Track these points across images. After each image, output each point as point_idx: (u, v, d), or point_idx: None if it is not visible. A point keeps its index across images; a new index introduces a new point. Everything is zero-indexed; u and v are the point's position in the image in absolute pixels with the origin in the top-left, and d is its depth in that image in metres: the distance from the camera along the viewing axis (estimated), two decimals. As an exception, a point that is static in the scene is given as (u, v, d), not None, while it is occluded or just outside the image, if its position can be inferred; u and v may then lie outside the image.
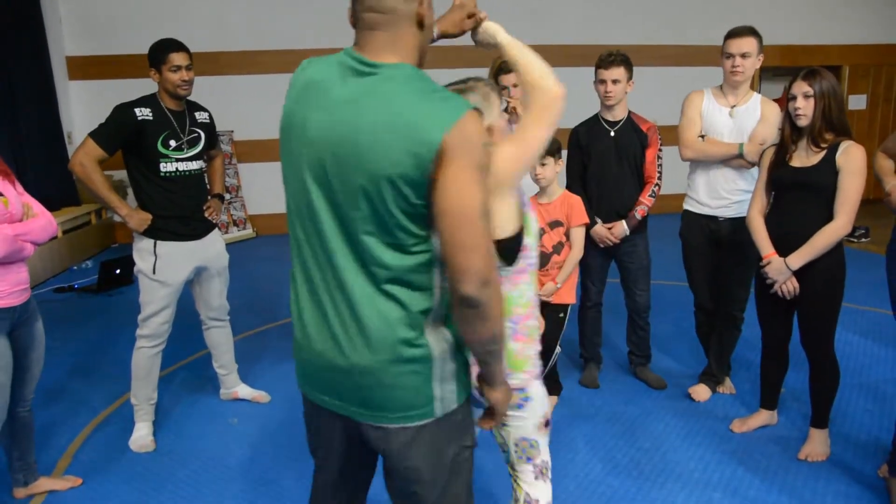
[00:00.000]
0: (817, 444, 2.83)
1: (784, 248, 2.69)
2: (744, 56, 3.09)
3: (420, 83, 1.29)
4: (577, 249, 3.12)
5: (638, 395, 3.49)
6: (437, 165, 1.22)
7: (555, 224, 3.11)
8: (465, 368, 1.43)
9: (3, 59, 6.33)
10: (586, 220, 3.14)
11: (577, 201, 3.13)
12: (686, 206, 3.37)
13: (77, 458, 3.01)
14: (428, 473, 1.42)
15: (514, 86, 3.70)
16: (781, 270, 2.67)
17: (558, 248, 3.11)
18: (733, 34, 3.13)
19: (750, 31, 3.11)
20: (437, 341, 1.35)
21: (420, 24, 1.35)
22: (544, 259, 3.10)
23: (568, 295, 3.15)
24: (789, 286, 2.68)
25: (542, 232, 3.09)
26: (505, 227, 1.54)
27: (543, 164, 3.01)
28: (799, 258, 2.63)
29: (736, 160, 3.16)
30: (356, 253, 1.31)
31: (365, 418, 1.40)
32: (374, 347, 1.33)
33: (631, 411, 3.32)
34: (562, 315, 3.16)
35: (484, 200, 1.23)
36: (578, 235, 3.12)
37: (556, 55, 9.40)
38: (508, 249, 1.56)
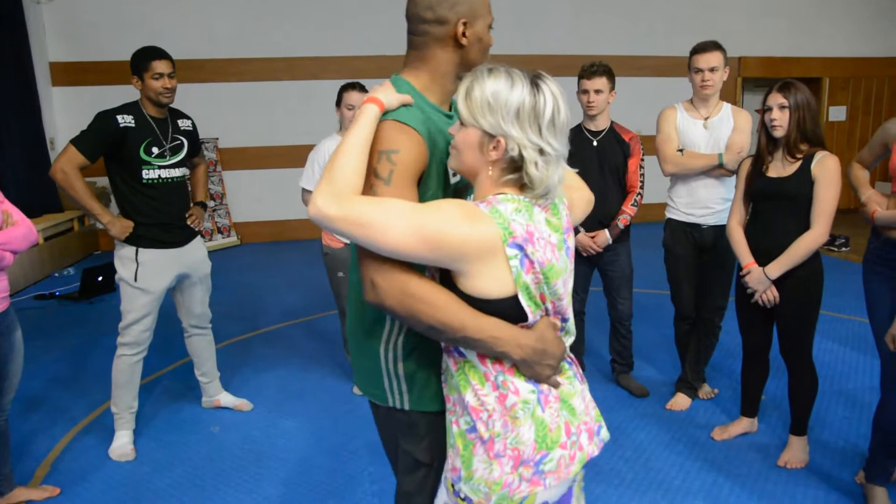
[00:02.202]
0: (796, 451, 2.86)
1: (763, 258, 2.72)
2: (712, 70, 3.16)
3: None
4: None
5: (620, 403, 3.51)
6: None
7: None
8: (420, 380, 1.46)
9: (-15, 64, 6.28)
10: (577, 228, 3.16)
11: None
12: (669, 215, 3.40)
13: (55, 468, 2.97)
14: (389, 452, 1.62)
15: None
16: (761, 280, 2.71)
17: None
18: (699, 49, 3.19)
19: (715, 46, 3.18)
20: (387, 339, 1.47)
21: (457, 44, 1.42)
22: None
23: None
24: (769, 295, 2.72)
25: None
26: (481, 287, 1.26)
27: None
28: (777, 267, 2.67)
29: (717, 170, 3.20)
30: None
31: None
32: (351, 327, 1.55)
33: (613, 419, 3.33)
34: None
35: (374, 209, 1.21)
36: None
37: (541, 65, 9.46)
38: (494, 314, 1.27)
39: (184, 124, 3.16)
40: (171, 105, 3.07)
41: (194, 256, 3.19)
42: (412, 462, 1.55)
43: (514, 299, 1.26)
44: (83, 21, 7.43)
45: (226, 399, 3.52)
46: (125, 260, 2.99)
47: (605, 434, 1.42)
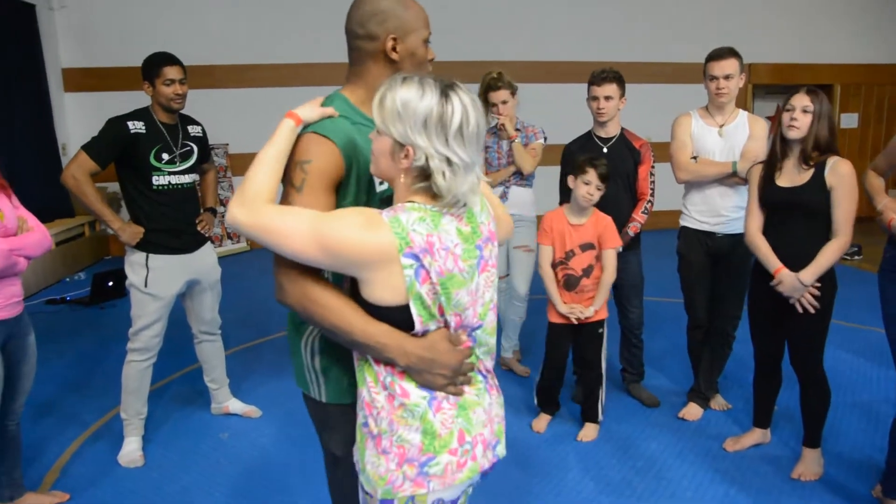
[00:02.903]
0: (810, 464, 2.82)
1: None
2: (727, 77, 3.13)
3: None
4: (609, 272, 3.10)
5: (631, 413, 3.48)
6: None
7: (586, 247, 3.09)
8: (334, 374, 1.56)
9: (0, 71, 6.33)
10: (619, 241, 3.14)
11: (609, 223, 3.12)
12: (683, 223, 3.38)
13: (65, 473, 2.98)
14: (324, 443, 1.70)
15: (504, 103, 3.72)
16: (795, 287, 2.63)
17: (588, 271, 3.08)
18: (714, 56, 3.16)
19: (730, 53, 3.14)
20: (307, 335, 1.57)
21: (388, 59, 1.48)
22: (574, 281, 3.09)
23: (603, 310, 3.16)
24: (808, 297, 2.66)
25: (572, 254, 3.08)
26: (377, 294, 1.29)
27: (599, 189, 3.01)
28: (811, 274, 2.60)
29: (731, 178, 3.17)
30: None
31: None
32: (287, 325, 1.64)
33: (624, 429, 3.30)
34: (600, 330, 3.18)
35: (279, 216, 1.28)
36: (611, 258, 3.10)
37: (549, 72, 9.50)
38: (387, 321, 1.31)
39: (194, 130, 3.17)
40: (182, 111, 3.08)
41: (204, 262, 3.19)
42: (330, 455, 1.68)
43: (407, 308, 1.28)
44: (95, 27, 7.49)
45: (235, 405, 3.52)
46: (135, 266, 3.00)
47: (500, 450, 1.44)
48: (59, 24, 7.44)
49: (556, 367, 3.22)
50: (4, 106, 6.39)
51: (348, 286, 1.38)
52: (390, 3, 1.47)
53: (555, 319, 3.17)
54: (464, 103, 1.25)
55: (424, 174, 1.26)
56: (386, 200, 1.46)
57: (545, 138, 3.83)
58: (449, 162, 1.24)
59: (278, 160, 1.36)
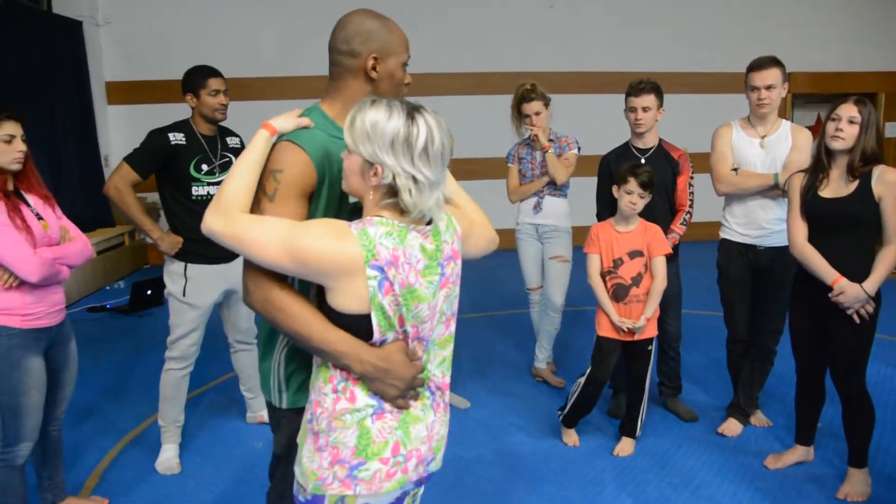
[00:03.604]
0: (857, 484, 2.72)
1: (817, 281, 2.62)
2: (769, 88, 3.06)
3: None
4: (660, 280, 3.05)
5: (668, 428, 3.41)
6: None
7: (635, 254, 3.04)
8: (295, 382, 1.61)
9: (46, 85, 6.54)
10: (669, 249, 3.10)
11: (657, 230, 3.08)
12: (724, 235, 3.31)
13: (104, 479, 3.02)
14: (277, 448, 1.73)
15: (537, 114, 3.71)
16: (859, 297, 2.55)
17: (637, 280, 3.03)
18: (756, 66, 3.10)
19: (773, 62, 3.07)
20: (279, 344, 1.62)
21: (367, 77, 1.55)
22: (623, 291, 3.04)
23: (652, 327, 3.10)
24: (868, 309, 2.57)
25: (620, 262, 3.04)
26: (341, 302, 1.34)
27: (642, 197, 2.98)
28: (875, 282, 2.53)
29: (773, 190, 3.11)
30: None
31: None
32: (260, 335, 1.69)
33: (661, 444, 3.24)
34: (650, 348, 3.12)
35: (252, 226, 1.34)
36: (661, 265, 3.05)
37: (584, 83, 9.43)
38: (348, 327, 1.36)
39: (232, 142, 3.21)
40: (222, 123, 3.13)
41: (241, 273, 3.22)
42: (274, 457, 1.74)
43: (368, 317, 1.33)
44: (138, 42, 7.68)
45: (269, 414, 3.54)
46: (174, 275, 3.04)
47: (434, 466, 1.48)
48: (104, 40, 7.65)
49: (600, 383, 3.13)
50: (50, 118, 6.59)
51: (314, 292, 1.44)
52: (375, 25, 1.55)
53: (604, 333, 3.10)
54: (429, 125, 1.32)
55: (392, 191, 1.32)
56: (357, 211, 1.49)
57: (579, 149, 3.81)
58: (415, 180, 1.31)
59: (253, 169, 1.42)
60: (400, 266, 1.31)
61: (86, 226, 6.47)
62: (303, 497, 1.42)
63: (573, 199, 3.93)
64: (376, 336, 1.35)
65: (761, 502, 2.74)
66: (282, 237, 1.31)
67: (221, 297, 3.18)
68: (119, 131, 7.70)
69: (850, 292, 2.55)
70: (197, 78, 3.02)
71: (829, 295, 2.59)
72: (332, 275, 1.31)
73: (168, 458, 3.10)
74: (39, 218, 2.36)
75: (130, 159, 2.95)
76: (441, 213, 1.40)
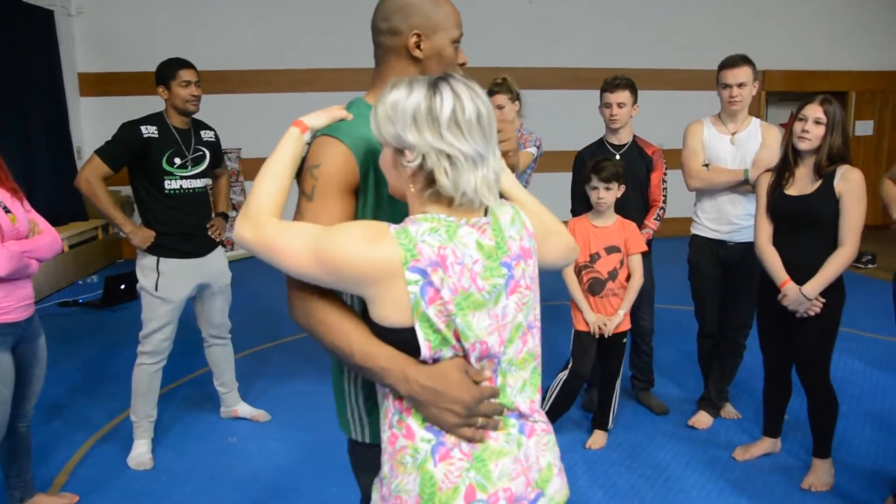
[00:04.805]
0: (821, 474, 2.79)
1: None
2: (740, 86, 3.11)
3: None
4: (637, 277, 3.09)
5: (640, 421, 3.46)
6: None
7: (612, 249, 3.07)
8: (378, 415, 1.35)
9: (18, 75, 6.42)
10: (644, 247, 3.13)
11: (634, 228, 3.11)
12: (694, 231, 3.36)
13: (75, 475, 2.99)
14: (363, 487, 1.48)
15: (500, 107, 3.66)
16: (799, 301, 2.62)
17: (613, 274, 3.06)
18: (727, 64, 3.15)
19: (744, 60, 3.13)
20: (350, 373, 1.42)
21: (412, 57, 1.39)
22: (599, 285, 3.07)
23: (626, 321, 3.14)
24: (814, 308, 2.64)
25: (597, 257, 3.06)
26: (383, 314, 1.16)
27: (608, 189, 3.00)
28: (815, 286, 2.59)
29: (743, 186, 3.16)
30: None
31: None
32: (331, 362, 1.47)
33: (632, 437, 3.28)
34: (624, 341, 3.16)
35: (280, 233, 1.19)
36: (638, 262, 3.09)
37: (563, 78, 9.45)
38: (397, 344, 1.17)
39: (206, 135, 3.19)
40: (196, 115, 3.11)
41: (215, 267, 3.21)
42: (365, 498, 1.47)
43: (413, 331, 1.13)
44: (111, 33, 7.57)
45: (244, 410, 3.53)
46: (146, 269, 3.02)
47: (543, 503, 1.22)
48: (77, 30, 7.53)
49: (582, 375, 3.15)
50: (21, 109, 6.48)
51: (359, 306, 1.29)
52: None
53: (582, 327, 3.13)
54: (455, 91, 1.14)
55: (431, 179, 1.14)
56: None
57: (538, 148, 3.77)
58: (448, 157, 1.12)
59: (280, 171, 1.27)
60: (449, 267, 1.11)
61: (58, 219, 6.38)
62: None
63: (552, 195, 3.93)
64: (425, 353, 1.14)
65: (730, 493, 2.79)
66: (311, 243, 1.15)
67: (194, 292, 3.16)
68: (92, 123, 7.59)
69: (790, 295, 2.64)
70: (168, 69, 2.99)
71: (777, 298, 2.67)
72: (367, 282, 1.13)
73: (140, 453, 3.07)
74: (7, 211, 2.33)
75: (101, 152, 2.91)
76: (494, 197, 1.18)
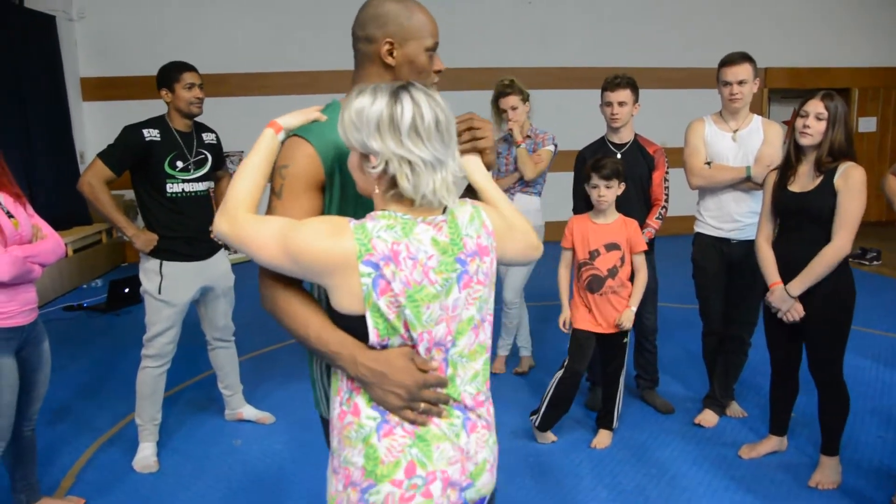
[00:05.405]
0: (828, 472, 2.78)
1: (790, 275, 2.66)
2: (740, 83, 3.11)
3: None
4: (644, 274, 3.09)
5: (644, 420, 3.45)
6: None
7: (612, 246, 3.06)
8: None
9: (19, 80, 6.44)
10: (644, 246, 3.13)
11: (636, 226, 3.11)
12: (698, 229, 3.35)
13: (80, 478, 3.00)
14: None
15: (513, 108, 3.72)
16: (783, 299, 2.65)
17: (613, 272, 3.05)
18: (727, 62, 3.14)
19: (744, 58, 3.12)
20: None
21: (384, 64, 1.46)
22: (598, 283, 3.06)
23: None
24: (794, 314, 2.65)
25: (596, 254, 3.06)
26: (339, 303, 1.27)
27: (608, 187, 2.99)
28: (799, 285, 2.61)
29: (745, 183, 3.15)
30: None
31: None
32: None
33: (637, 436, 3.28)
34: (625, 340, 3.15)
35: (253, 226, 1.29)
36: (642, 260, 3.09)
37: (561, 78, 9.45)
38: (350, 330, 1.28)
39: (208, 138, 3.19)
40: (197, 118, 3.11)
41: (218, 269, 3.21)
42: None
43: (364, 318, 1.24)
44: (113, 38, 7.59)
45: (248, 412, 3.53)
46: (149, 273, 3.02)
47: (471, 494, 1.31)
48: (79, 34, 7.55)
49: (577, 374, 3.14)
50: (24, 114, 6.49)
51: (323, 296, 1.38)
52: (394, 8, 1.45)
53: (579, 325, 3.12)
54: (415, 100, 1.22)
55: (393, 181, 1.24)
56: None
57: (555, 146, 3.83)
58: (409, 163, 1.21)
59: (257, 167, 1.37)
60: (402, 262, 1.21)
61: (62, 224, 6.39)
62: None
63: (552, 194, 3.95)
64: (373, 339, 1.25)
65: (735, 491, 2.78)
66: (277, 235, 1.25)
67: (198, 295, 3.16)
68: (94, 128, 7.61)
69: (775, 294, 2.66)
70: (171, 72, 3.00)
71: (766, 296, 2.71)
72: (326, 273, 1.23)
73: (145, 456, 3.08)
74: (10, 216, 2.34)
75: (104, 155, 2.92)
76: (453, 197, 1.28)
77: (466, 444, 1.30)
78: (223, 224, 1.32)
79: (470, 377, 1.33)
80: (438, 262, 1.24)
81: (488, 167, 1.52)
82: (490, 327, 1.37)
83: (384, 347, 1.26)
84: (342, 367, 1.28)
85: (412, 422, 1.26)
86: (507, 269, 3.89)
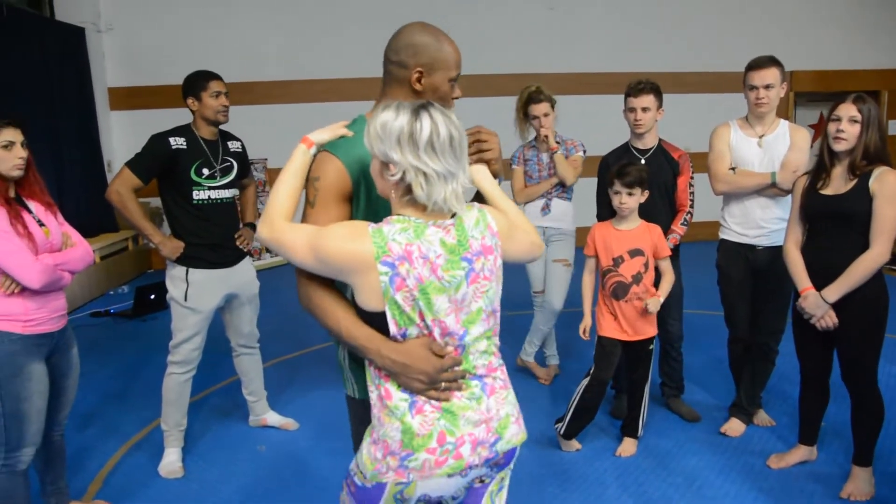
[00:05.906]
0: (860, 483, 2.71)
1: (820, 280, 2.61)
2: (767, 87, 3.06)
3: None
4: (671, 276, 3.09)
5: (670, 428, 3.41)
6: None
7: (635, 252, 3.03)
8: (361, 373, 1.61)
9: (49, 91, 6.57)
10: (668, 251, 3.11)
11: (660, 232, 3.09)
12: (722, 235, 3.31)
13: (107, 483, 3.03)
14: (354, 436, 1.74)
15: (545, 115, 3.72)
16: (819, 305, 2.59)
17: (638, 278, 3.02)
18: (754, 66, 3.09)
19: (771, 62, 3.07)
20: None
21: (412, 89, 1.62)
22: (623, 289, 3.03)
23: (652, 327, 3.11)
24: (827, 320, 2.60)
25: (620, 260, 3.04)
26: (362, 300, 1.44)
27: (631, 195, 2.98)
28: (835, 291, 2.55)
29: (770, 189, 3.10)
30: None
31: None
32: None
33: (663, 444, 3.24)
34: (651, 347, 3.13)
35: (288, 232, 1.47)
36: (668, 265, 3.09)
37: (584, 83, 9.41)
38: (374, 324, 1.46)
39: (233, 146, 3.23)
40: (222, 127, 3.15)
41: (243, 277, 3.24)
42: (355, 445, 1.72)
43: (384, 314, 1.42)
44: (140, 48, 7.72)
45: (272, 418, 3.55)
46: (176, 280, 3.05)
47: (502, 446, 1.50)
48: (106, 46, 7.70)
49: (603, 383, 3.11)
50: (54, 124, 6.62)
51: (351, 293, 1.52)
52: (427, 40, 1.61)
53: (605, 333, 3.09)
54: (433, 119, 1.39)
55: (409, 188, 1.40)
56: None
57: (584, 151, 3.82)
58: (424, 174, 1.38)
59: (291, 180, 1.54)
60: (415, 261, 1.38)
61: (89, 231, 6.50)
62: (359, 481, 1.49)
63: (576, 200, 3.93)
64: (393, 330, 1.42)
65: (764, 501, 2.73)
66: (308, 240, 1.43)
67: (223, 302, 3.19)
68: (122, 137, 7.74)
69: (809, 300, 2.61)
70: (198, 81, 3.03)
71: (797, 303, 2.66)
72: (349, 272, 1.40)
73: (171, 461, 3.11)
74: (41, 224, 2.38)
75: (132, 164, 2.96)
76: (462, 205, 1.45)
77: (488, 406, 1.49)
78: (264, 230, 1.50)
79: (481, 351, 1.51)
80: (446, 260, 1.41)
81: (494, 175, 1.68)
82: (499, 314, 1.54)
83: (404, 337, 1.43)
84: (370, 358, 1.45)
85: (437, 399, 1.44)
86: (554, 273, 3.86)
